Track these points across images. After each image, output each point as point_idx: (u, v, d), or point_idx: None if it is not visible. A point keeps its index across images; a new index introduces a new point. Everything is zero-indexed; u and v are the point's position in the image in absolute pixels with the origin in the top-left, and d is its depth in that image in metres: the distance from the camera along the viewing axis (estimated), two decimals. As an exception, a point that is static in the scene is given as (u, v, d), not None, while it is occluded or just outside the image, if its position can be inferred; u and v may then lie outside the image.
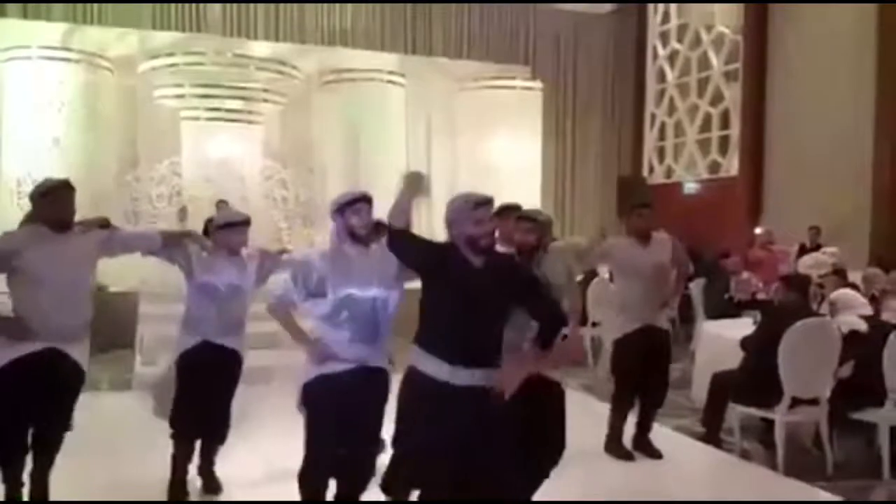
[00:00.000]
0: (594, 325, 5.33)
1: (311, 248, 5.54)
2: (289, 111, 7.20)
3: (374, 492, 2.30)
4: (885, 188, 6.57)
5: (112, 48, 6.96)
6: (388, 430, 2.20)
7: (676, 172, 9.50)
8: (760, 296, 5.21)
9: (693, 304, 5.61)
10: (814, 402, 3.12)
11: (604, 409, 3.33)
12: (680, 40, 9.43)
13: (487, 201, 1.93)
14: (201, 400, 2.57)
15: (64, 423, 2.40)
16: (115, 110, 6.76)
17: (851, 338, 3.18)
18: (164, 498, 2.61)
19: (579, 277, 4.41)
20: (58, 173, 3.20)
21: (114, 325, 4.90)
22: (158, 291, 5.16)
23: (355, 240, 2.14)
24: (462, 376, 1.86)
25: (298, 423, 2.19)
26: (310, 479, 2.16)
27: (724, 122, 8.73)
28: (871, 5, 6.69)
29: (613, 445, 3.21)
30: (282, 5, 8.53)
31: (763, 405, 3.13)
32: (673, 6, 9.56)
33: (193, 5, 8.20)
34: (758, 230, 6.88)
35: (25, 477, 2.37)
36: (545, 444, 2.36)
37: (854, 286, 4.17)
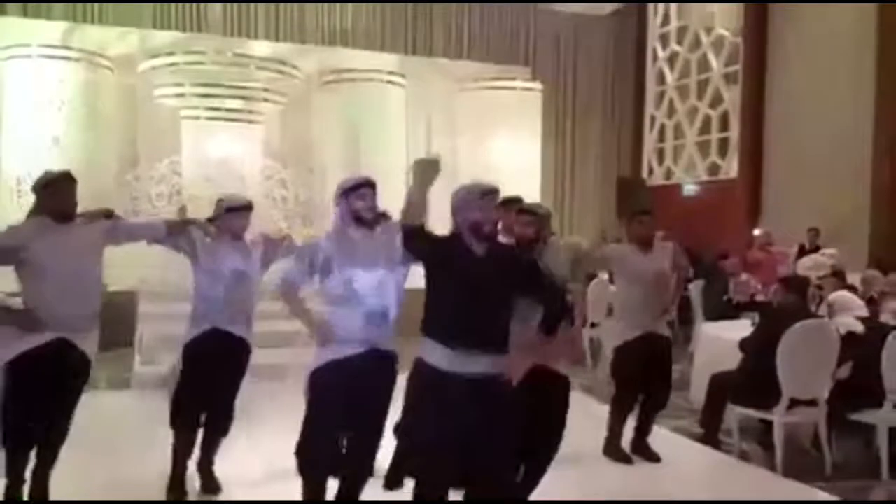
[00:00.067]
0: (593, 325, 5.34)
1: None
2: (289, 111, 7.20)
3: (375, 492, 2.30)
4: (884, 189, 6.57)
5: (112, 47, 6.96)
6: (391, 419, 2.20)
7: (676, 174, 9.51)
8: (759, 297, 5.21)
9: (692, 306, 5.62)
10: (812, 403, 3.12)
11: (603, 411, 3.33)
12: (680, 42, 9.45)
13: (494, 191, 1.97)
14: (206, 389, 2.55)
15: (69, 415, 2.40)
16: (116, 109, 6.76)
17: (849, 339, 3.18)
18: (162, 497, 2.60)
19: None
20: (58, 172, 3.20)
21: (113, 324, 4.85)
22: (158, 291, 5.18)
23: (360, 223, 2.16)
24: (468, 363, 1.87)
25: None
26: (310, 462, 2.14)
27: (724, 125, 8.75)
28: (871, 5, 6.69)
29: (612, 448, 3.21)
30: (282, 5, 8.54)
31: (762, 406, 3.14)
32: (673, 8, 9.58)
33: (194, 5, 8.20)
34: (756, 232, 6.90)
35: (27, 475, 2.37)
36: (549, 435, 2.36)
37: (853, 288, 4.18)
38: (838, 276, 4.56)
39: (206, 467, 2.71)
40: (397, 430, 2.36)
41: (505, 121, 7.66)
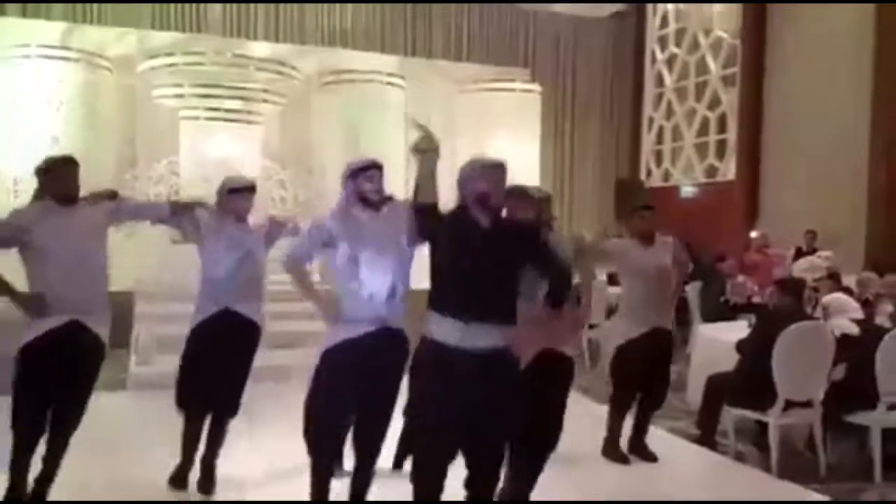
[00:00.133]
0: (591, 326, 5.35)
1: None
2: (288, 112, 7.22)
3: (378, 492, 2.30)
4: (880, 191, 6.58)
5: (111, 48, 6.98)
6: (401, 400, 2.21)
7: (674, 176, 9.53)
8: (756, 299, 5.22)
9: (689, 307, 5.63)
10: (807, 404, 3.14)
11: (600, 412, 3.34)
12: (678, 44, 9.47)
13: (500, 164, 2.01)
14: (215, 369, 2.53)
15: (84, 401, 2.38)
16: (114, 110, 6.77)
17: (844, 341, 3.20)
18: (159, 497, 2.60)
19: (576, 280, 4.42)
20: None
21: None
22: (154, 291, 5.18)
23: (366, 205, 2.18)
24: (476, 336, 1.88)
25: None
26: (320, 443, 2.14)
27: (722, 127, 8.77)
28: (870, 7, 6.69)
29: (610, 449, 3.22)
30: (282, 6, 8.54)
31: (757, 408, 3.15)
32: (672, 10, 9.60)
33: (193, 5, 8.20)
34: (753, 234, 6.92)
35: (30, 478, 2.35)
36: (555, 416, 2.37)
37: (848, 290, 4.20)
38: (834, 279, 4.58)
39: (209, 461, 2.66)
40: (406, 411, 2.36)
41: (504, 122, 7.68)
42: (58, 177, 2.36)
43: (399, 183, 5.81)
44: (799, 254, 6.45)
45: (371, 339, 2.11)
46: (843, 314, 3.43)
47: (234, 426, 2.71)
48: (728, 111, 8.62)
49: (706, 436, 3.41)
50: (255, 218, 2.73)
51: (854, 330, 3.31)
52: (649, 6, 9.86)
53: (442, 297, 1.93)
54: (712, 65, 8.85)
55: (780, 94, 7.78)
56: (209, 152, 6.44)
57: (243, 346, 2.64)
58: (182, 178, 6.65)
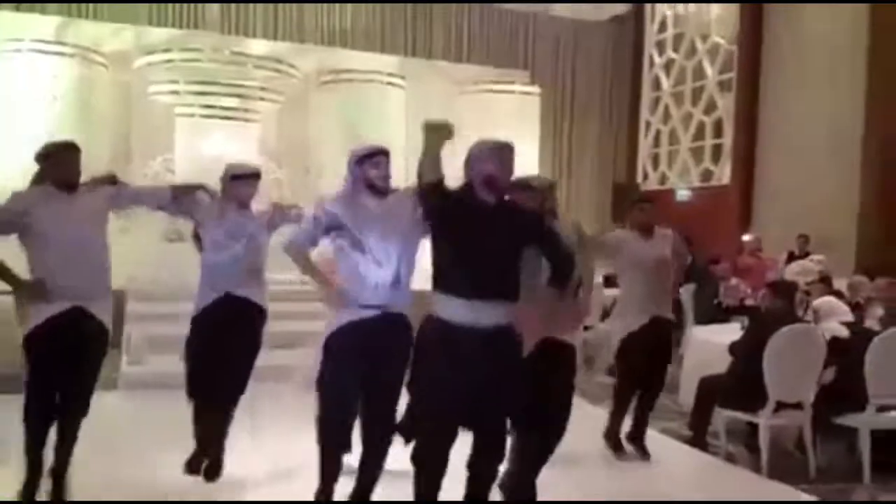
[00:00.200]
0: (586, 328, 5.36)
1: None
2: (286, 110, 7.20)
3: (382, 492, 2.28)
4: (873, 193, 6.62)
5: (107, 43, 6.94)
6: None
7: (670, 179, 9.58)
8: (749, 302, 5.26)
9: (683, 309, 5.66)
10: (798, 406, 3.15)
11: (597, 413, 3.36)
12: (676, 49, 9.52)
13: (508, 145, 2.02)
14: (222, 356, 2.49)
15: (91, 387, 2.36)
16: (109, 105, 6.74)
17: (834, 344, 3.22)
18: (156, 497, 2.57)
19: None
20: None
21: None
22: (146, 290, 5.15)
23: (372, 191, 2.18)
24: (481, 314, 1.89)
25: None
26: (331, 427, 2.14)
27: (717, 131, 8.82)
28: (866, 13, 6.73)
29: (611, 434, 3.24)
30: (281, 4, 8.54)
31: (749, 409, 3.16)
32: (670, 15, 9.66)
33: (191, 3, 8.19)
34: (746, 237, 6.96)
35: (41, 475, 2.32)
36: (559, 401, 2.36)
37: (839, 293, 4.23)
38: (825, 282, 4.61)
39: (215, 451, 2.59)
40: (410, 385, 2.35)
41: (504, 124, 7.66)
42: (59, 162, 2.33)
43: (399, 183, 5.80)
44: (791, 257, 6.49)
45: (373, 322, 2.11)
46: (834, 317, 3.46)
47: (235, 426, 2.69)
48: (724, 116, 8.67)
49: (698, 437, 3.43)
50: (257, 205, 2.71)
51: (844, 333, 3.34)
52: (648, 11, 9.91)
53: (447, 276, 1.95)
54: (709, 70, 8.91)
55: (775, 101, 7.83)
56: (205, 150, 6.41)
57: (246, 327, 2.58)
58: (177, 176, 6.61)
